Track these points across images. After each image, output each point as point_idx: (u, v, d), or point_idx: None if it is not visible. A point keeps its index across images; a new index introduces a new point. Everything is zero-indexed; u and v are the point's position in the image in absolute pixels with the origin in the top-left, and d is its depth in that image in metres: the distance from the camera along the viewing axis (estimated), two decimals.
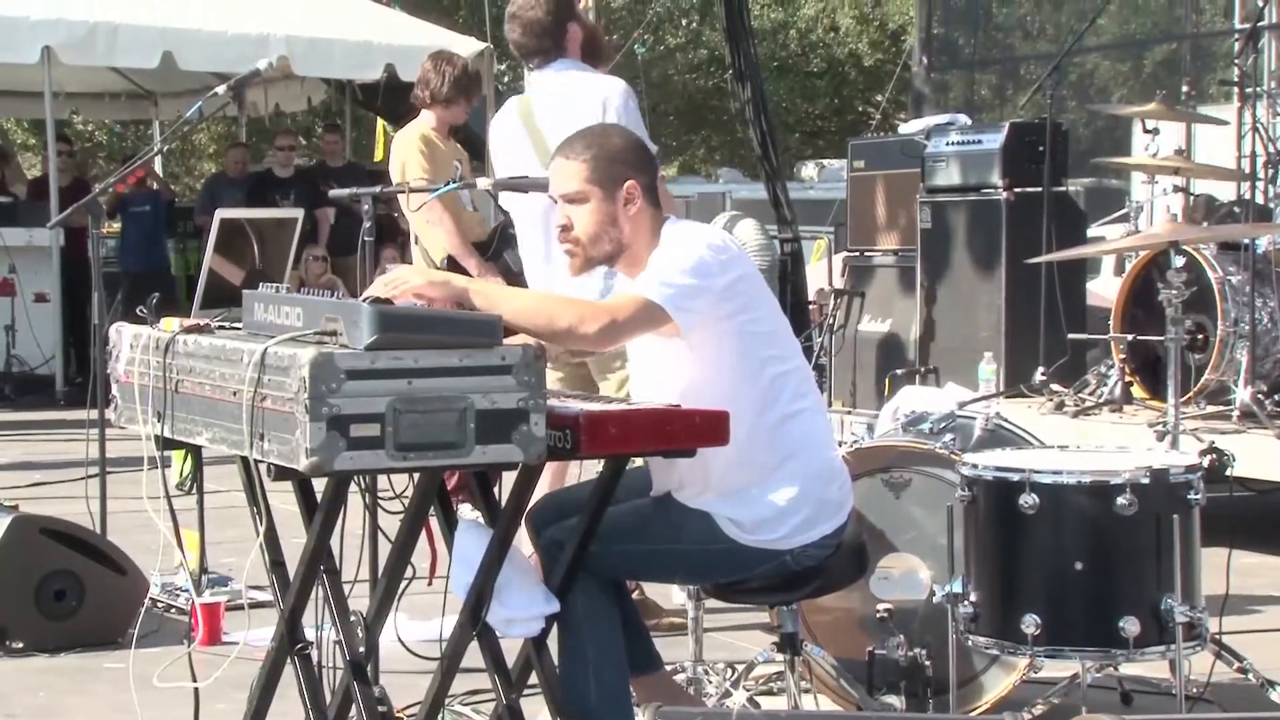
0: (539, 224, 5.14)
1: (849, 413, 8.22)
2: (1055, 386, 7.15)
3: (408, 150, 6.56)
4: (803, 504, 3.54)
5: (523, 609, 3.42)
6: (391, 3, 14.44)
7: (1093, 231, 9.53)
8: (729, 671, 4.37)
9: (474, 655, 3.44)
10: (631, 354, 3.77)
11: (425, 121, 6.63)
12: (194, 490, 5.81)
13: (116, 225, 13.69)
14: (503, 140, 5.42)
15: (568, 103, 5.10)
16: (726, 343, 3.51)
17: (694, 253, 3.49)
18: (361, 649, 3.44)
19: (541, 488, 3.86)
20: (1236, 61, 7.91)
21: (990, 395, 6.24)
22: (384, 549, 3.62)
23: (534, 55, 5.29)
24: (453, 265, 6.17)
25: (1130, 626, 3.66)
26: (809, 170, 19.48)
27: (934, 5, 16.05)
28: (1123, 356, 6.88)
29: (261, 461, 3.08)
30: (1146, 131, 7.11)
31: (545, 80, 5.31)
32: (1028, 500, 3.71)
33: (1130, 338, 6.71)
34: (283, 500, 3.56)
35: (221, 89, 5.52)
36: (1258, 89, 7.56)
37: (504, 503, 3.52)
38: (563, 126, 4.19)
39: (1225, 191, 8.22)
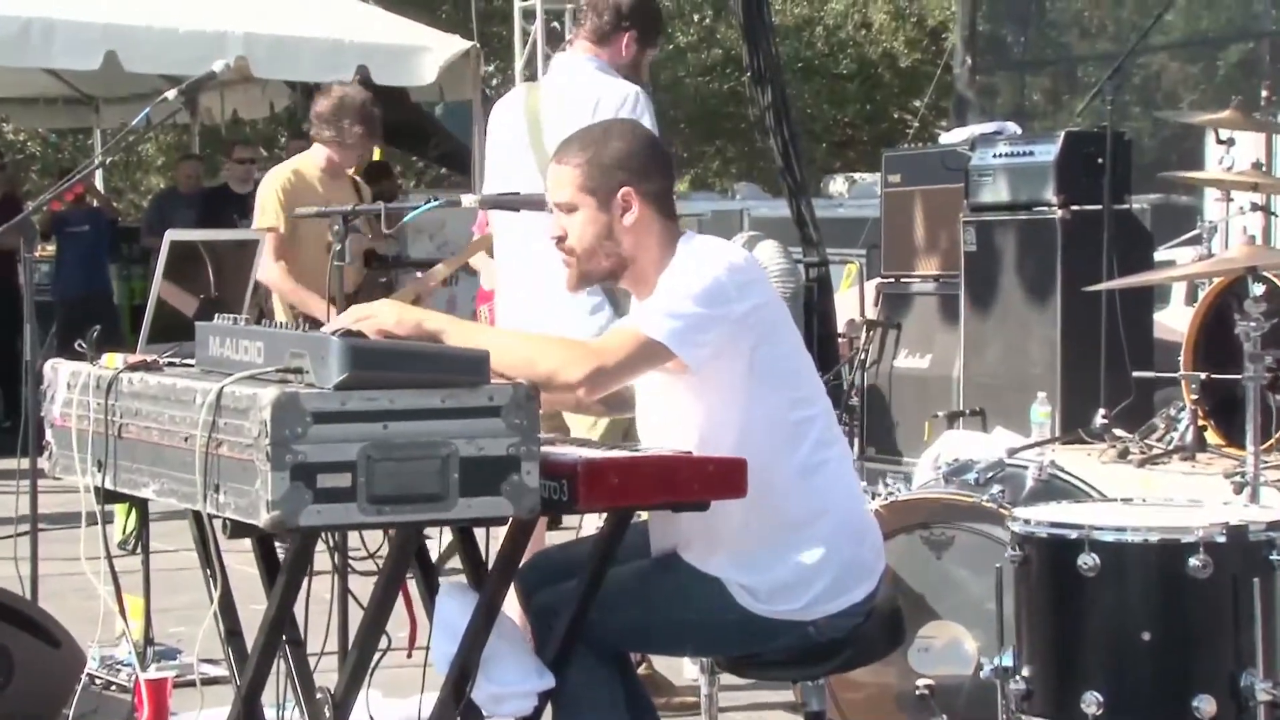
0: (519, 237, 5.20)
1: (883, 461, 8.21)
2: (1118, 431, 7.13)
3: (264, 191, 6.92)
4: (827, 568, 3.54)
5: (513, 684, 3.42)
6: None
7: (1160, 255, 9.53)
8: None
9: None
10: (637, 391, 3.77)
11: (306, 159, 7.02)
12: (139, 550, 5.80)
13: (51, 248, 13.73)
14: (498, 136, 5.48)
15: (576, 106, 5.13)
16: (742, 381, 3.51)
17: (708, 275, 3.49)
18: None
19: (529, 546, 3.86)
20: None
21: (1044, 441, 6.22)
22: (355, 616, 3.61)
23: (585, 25, 5.38)
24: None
25: (1205, 706, 3.65)
26: (838, 185, 19.55)
27: None
28: (1195, 397, 6.87)
29: (216, 516, 3.09)
30: (1220, 142, 7.11)
31: (565, 70, 5.40)
32: (1087, 561, 3.71)
33: (1204, 376, 6.69)
34: (240, 560, 3.56)
35: (172, 94, 5.54)
36: None
37: (491, 563, 3.52)
38: (566, 126, 4.22)
39: None
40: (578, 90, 5.22)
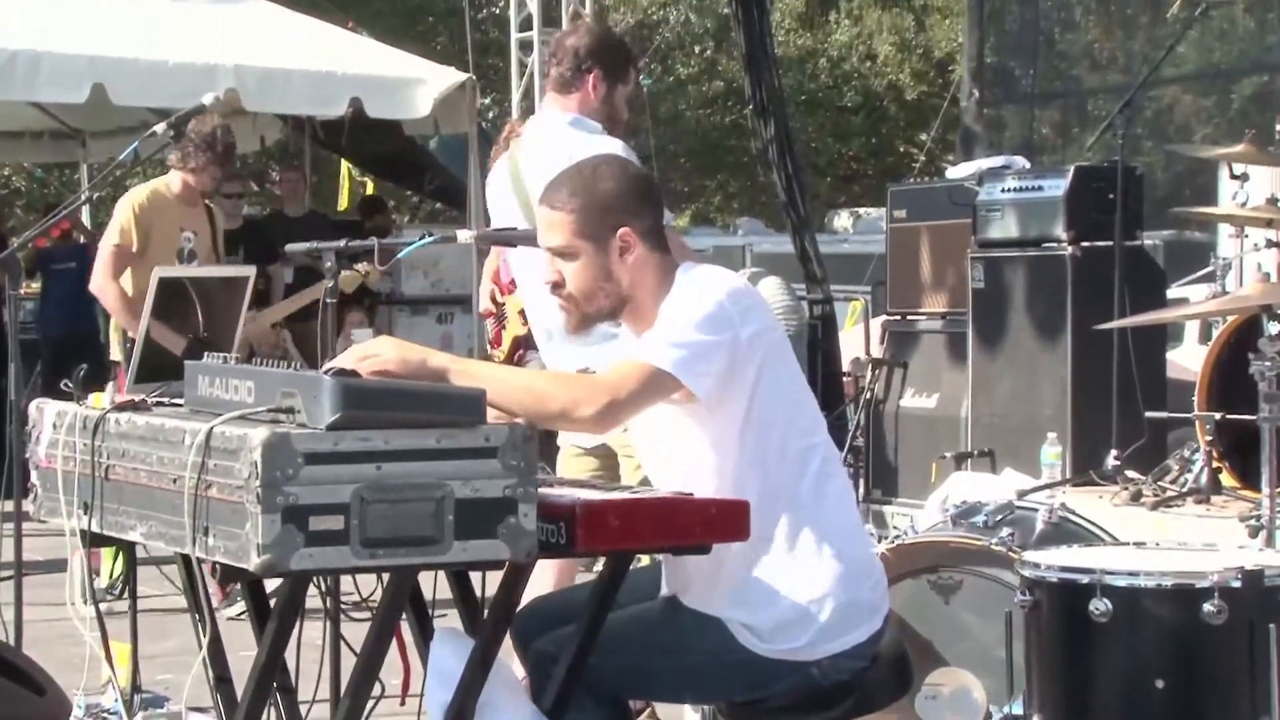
0: (515, 272, 5.29)
1: (889, 503, 8.21)
2: (1131, 473, 7.13)
3: (120, 207, 7.38)
4: (829, 604, 3.55)
5: None
6: (358, 29, 14.55)
7: (1173, 293, 9.53)
8: None
9: None
10: (641, 424, 3.77)
11: (164, 181, 7.52)
12: (125, 594, 5.80)
13: (37, 285, 13.75)
14: (495, 206, 5.63)
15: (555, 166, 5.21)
16: (745, 410, 3.54)
17: (710, 301, 3.52)
18: None
19: (535, 589, 3.86)
20: None
21: (1055, 483, 6.22)
22: (348, 662, 3.61)
23: (550, 77, 5.51)
24: None
25: None
26: (842, 220, 19.56)
27: (986, 30, 16.16)
28: (1209, 438, 6.87)
29: (206, 560, 3.09)
30: (1234, 177, 7.12)
31: (539, 135, 5.48)
32: (1099, 606, 3.71)
33: (1218, 416, 6.70)
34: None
35: (160, 127, 5.57)
36: None
37: (487, 608, 3.52)
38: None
39: None
40: (553, 152, 5.27)
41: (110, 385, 3.68)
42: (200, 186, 7.53)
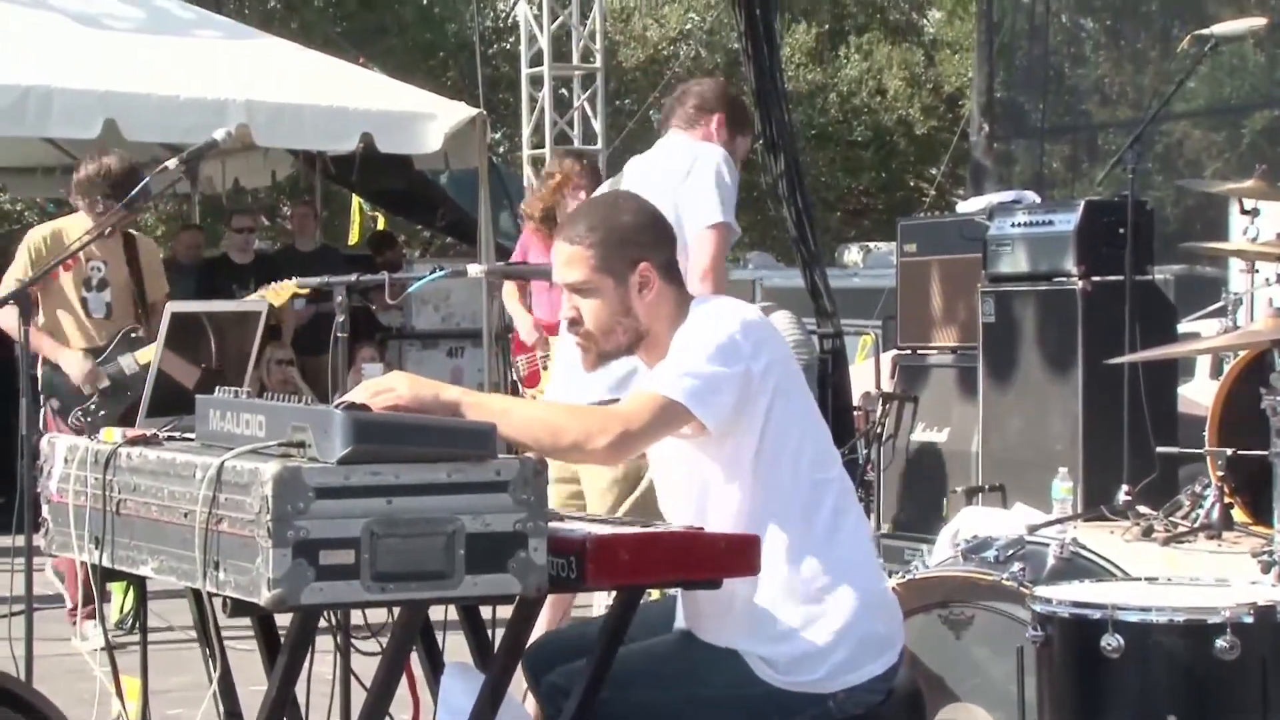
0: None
1: (900, 537, 8.19)
2: (1142, 508, 7.11)
3: (21, 246, 7.40)
4: (845, 638, 3.54)
5: None
6: (369, 64, 14.60)
7: (1184, 328, 9.53)
8: None
9: None
10: (654, 456, 3.78)
11: (70, 221, 7.46)
12: (136, 629, 5.79)
13: None
14: None
15: (654, 171, 5.32)
16: (758, 441, 3.53)
17: (722, 333, 3.52)
18: None
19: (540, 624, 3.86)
20: None
21: (1066, 518, 6.21)
22: (358, 696, 3.61)
23: (675, 116, 5.66)
24: None
25: None
26: (852, 255, 19.58)
27: (996, 65, 16.18)
28: (1221, 474, 6.85)
29: (216, 594, 3.09)
30: (1245, 212, 7.12)
31: (662, 147, 5.63)
32: (1111, 642, 3.70)
33: (1230, 452, 6.68)
34: (240, 639, 3.55)
35: (172, 163, 5.58)
36: None
37: (497, 642, 3.52)
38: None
39: None
40: (668, 152, 5.47)
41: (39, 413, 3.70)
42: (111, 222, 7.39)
